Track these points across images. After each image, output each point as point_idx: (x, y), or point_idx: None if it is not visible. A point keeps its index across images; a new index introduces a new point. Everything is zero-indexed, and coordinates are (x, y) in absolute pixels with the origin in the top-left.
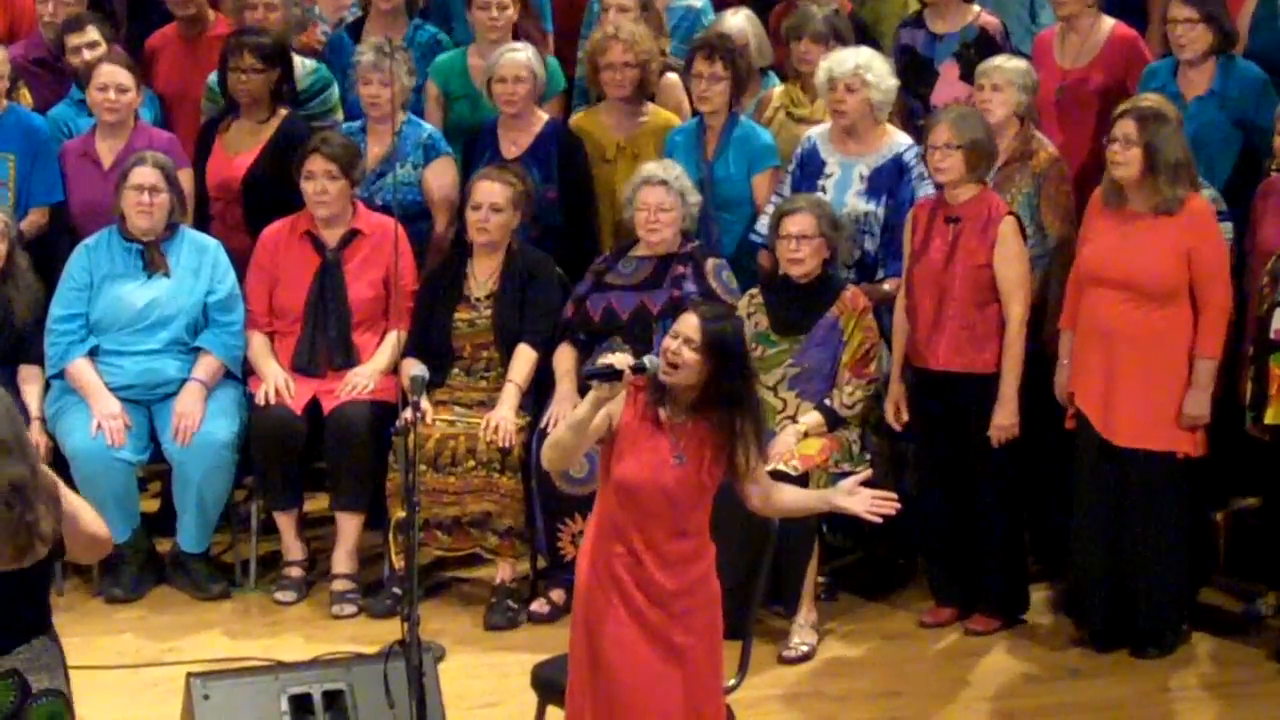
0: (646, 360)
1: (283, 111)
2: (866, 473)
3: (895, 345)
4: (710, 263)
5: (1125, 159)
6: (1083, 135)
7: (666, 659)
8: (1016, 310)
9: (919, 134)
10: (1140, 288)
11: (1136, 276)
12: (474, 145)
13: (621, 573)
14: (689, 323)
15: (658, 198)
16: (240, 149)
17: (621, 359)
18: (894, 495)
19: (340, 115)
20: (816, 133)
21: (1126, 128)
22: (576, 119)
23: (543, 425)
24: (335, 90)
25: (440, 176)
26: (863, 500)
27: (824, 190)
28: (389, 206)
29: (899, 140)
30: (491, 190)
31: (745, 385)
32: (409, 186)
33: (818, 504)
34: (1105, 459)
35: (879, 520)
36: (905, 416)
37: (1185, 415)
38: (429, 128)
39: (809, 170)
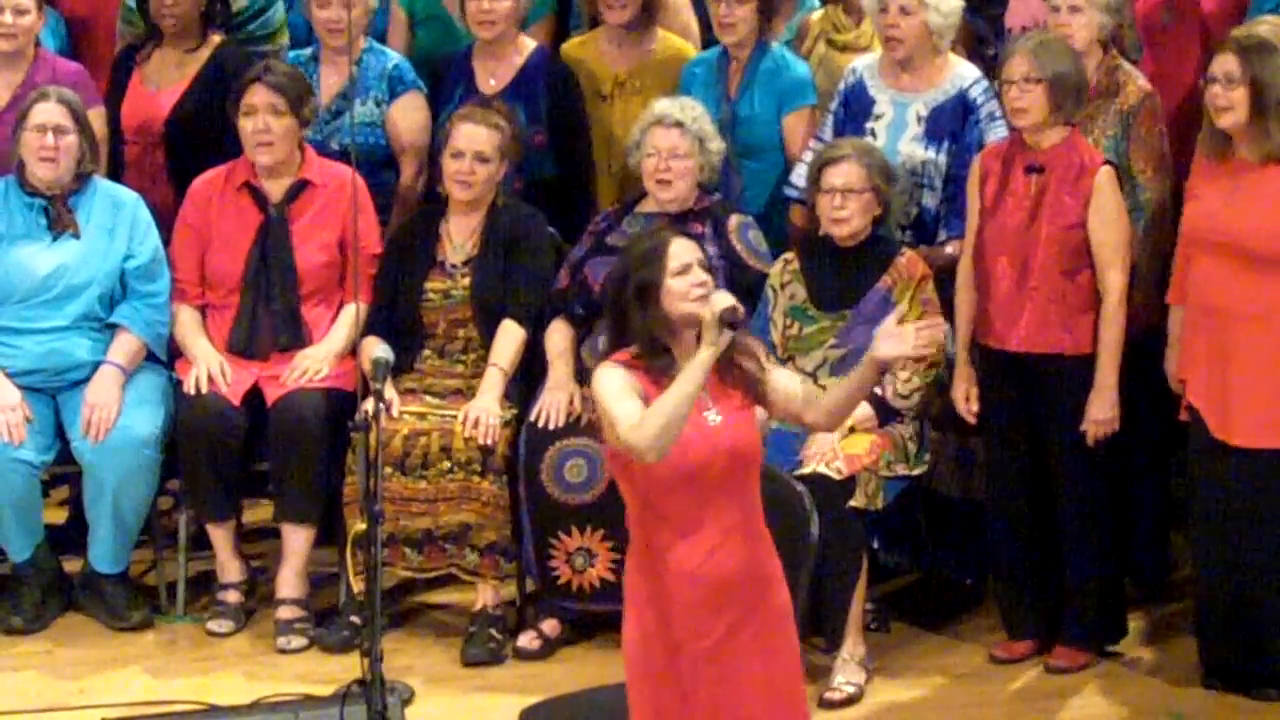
0: (725, 295)
1: (215, 39)
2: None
3: (960, 321)
4: (734, 220)
5: (1229, 100)
6: (1185, 67)
7: (780, 668)
8: (1116, 280)
9: (989, 65)
10: (1251, 252)
11: (1245, 239)
12: (443, 79)
13: (712, 584)
14: (688, 247)
15: (671, 142)
16: (163, 84)
17: (730, 298)
18: (939, 322)
19: (285, 40)
20: (863, 65)
21: (1227, 64)
22: (569, 47)
23: (532, 419)
24: (280, 9)
25: (409, 115)
26: (904, 338)
27: (873, 134)
28: (346, 151)
29: (963, 73)
30: (477, 136)
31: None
32: (371, 127)
33: (870, 374)
34: (1222, 460)
35: (925, 353)
36: (976, 406)
37: None
38: (395, 56)
39: (855, 110)
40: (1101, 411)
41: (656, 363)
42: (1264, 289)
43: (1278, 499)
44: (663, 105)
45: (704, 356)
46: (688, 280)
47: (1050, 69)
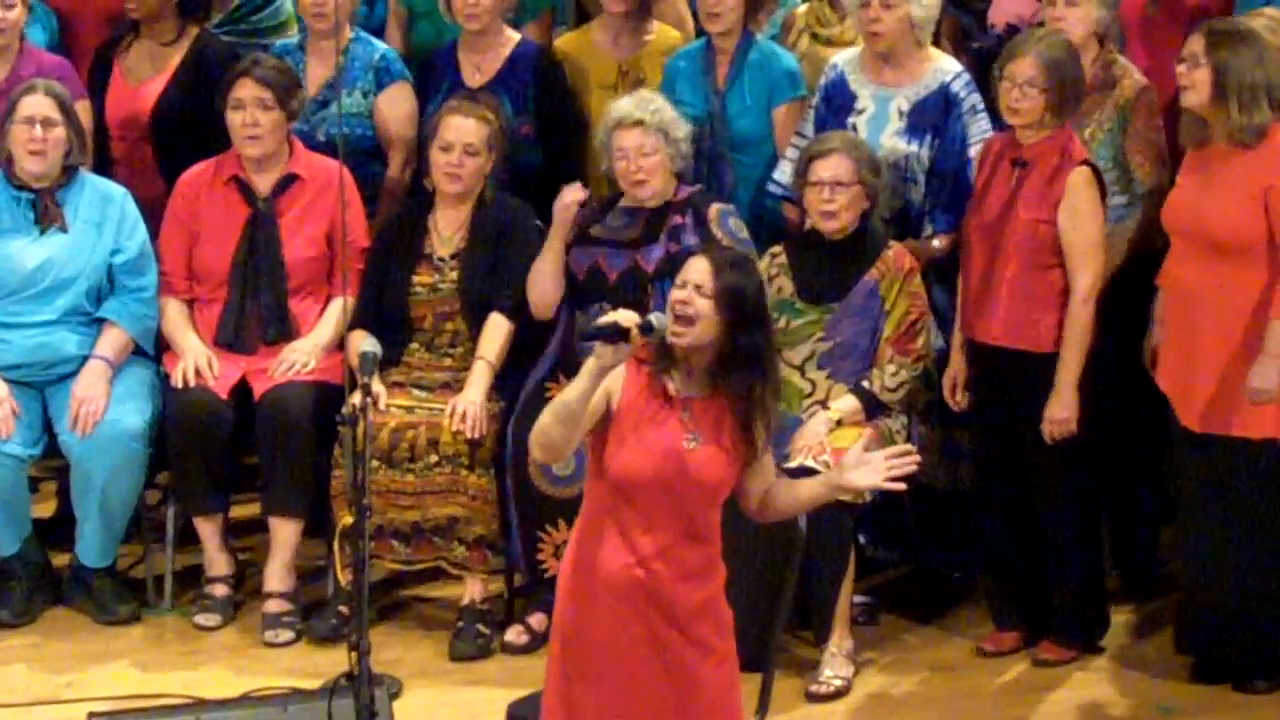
0: (654, 318)
1: (194, 30)
2: (868, 432)
3: (960, 309)
4: (714, 209)
5: (1191, 80)
6: (1173, 60)
7: (689, 695)
8: (1083, 280)
9: (978, 59)
10: (1212, 238)
11: (1207, 225)
12: (429, 71)
13: (633, 590)
14: (698, 267)
15: (635, 141)
16: (144, 76)
17: (627, 316)
18: (912, 448)
19: (294, 32)
20: (844, 59)
21: (1194, 45)
22: (562, 42)
23: (519, 412)
24: (288, 2)
25: (396, 106)
26: (876, 469)
27: (855, 129)
28: (333, 142)
29: (944, 66)
30: (465, 128)
31: (766, 342)
32: (358, 118)
33: (824, 493)
34: (1195, 448)
35: (902, 488)
36: (961, 398)
37: (1249, 389)
38: (382, 46)
39: (836, 105)
40: (1057, 411)
41: (658, 363)
42: (1228, 276)
43: (1246, 485)
44: (620, 107)
45: (589, 364)
46: (676, 292)
47: (1056, 76)
